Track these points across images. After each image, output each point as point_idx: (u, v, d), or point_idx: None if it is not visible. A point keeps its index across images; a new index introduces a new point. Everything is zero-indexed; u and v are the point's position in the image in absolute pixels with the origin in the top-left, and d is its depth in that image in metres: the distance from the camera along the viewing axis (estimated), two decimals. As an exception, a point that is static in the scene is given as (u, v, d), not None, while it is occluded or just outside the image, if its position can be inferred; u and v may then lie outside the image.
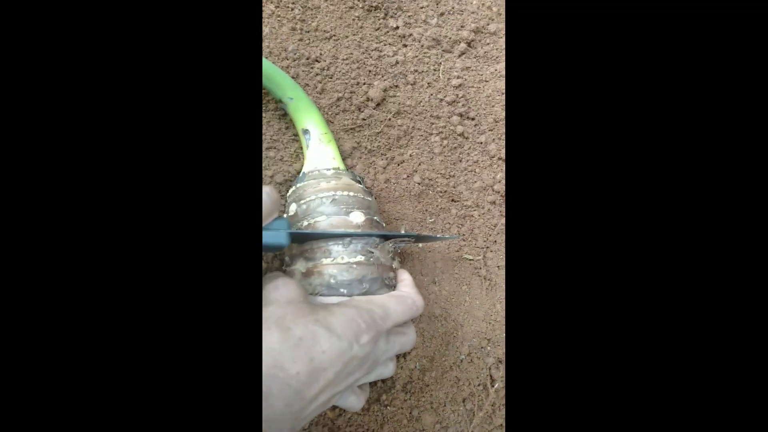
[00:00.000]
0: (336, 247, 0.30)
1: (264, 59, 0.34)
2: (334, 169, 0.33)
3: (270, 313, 0.24)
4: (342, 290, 0.29)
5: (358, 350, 0.25)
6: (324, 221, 0.30)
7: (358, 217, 0.31)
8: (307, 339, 0.24)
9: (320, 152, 0.34)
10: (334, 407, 0.32)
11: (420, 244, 0.37)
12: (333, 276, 0.29)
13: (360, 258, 0.30)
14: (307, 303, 0.26)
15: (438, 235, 0.36)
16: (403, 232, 0.33)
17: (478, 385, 0.34)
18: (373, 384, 0.33)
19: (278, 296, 0.26)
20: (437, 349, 0.35)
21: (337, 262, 0.30)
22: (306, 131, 0.34)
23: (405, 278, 0.32)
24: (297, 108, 0.34)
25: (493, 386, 0.34)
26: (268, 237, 0.27)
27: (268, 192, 0.26)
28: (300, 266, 0.30)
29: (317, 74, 0.38)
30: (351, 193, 0.32)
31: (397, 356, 0.34)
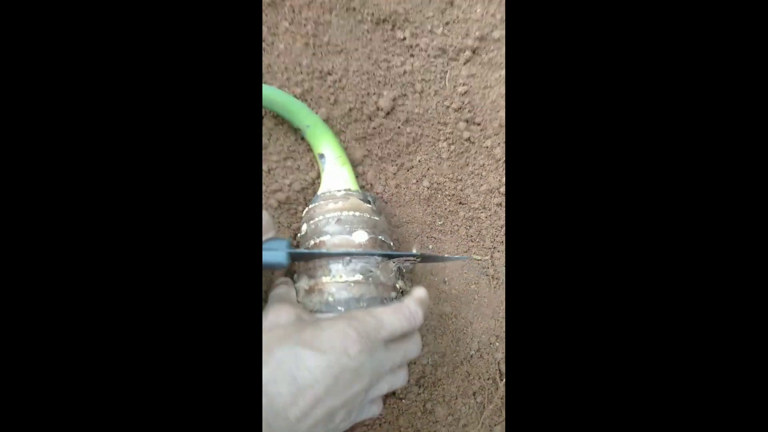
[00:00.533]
0: (336, 266, 0.31)
1: (279, 90, 0.36)
2: (345, 190, 0.35)
3: None
4: (339, 308, 0.30)
5: (349, 361, 0.25)
6: (328, 240, 0.32)
7: (361, 237, 0.32)
8: (287, 360, 0.24)
9: (335, 174, 0.36)
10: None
11: (428, 264, 0.39)
12: (332, 294, 0.31)
13: (358, 277, 0.31)
14: (296, 325, 0.27)
15: (445, 255, 0.37)
16: (414, 251, 0.34)
17: (488, 379, 0.36)
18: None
19: (265, 323, 0.27)
20: (448, 346, 0.37)
21: (336, 280, 0.31)
22: (322, 155, 0.36)
23: (415, 292, 0.32)
24: (313, 134, 0.36)
25: (502, 380, 0.36)
26: (268, 256, 0.29)
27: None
28: (303, 283, 0.32)
29: (330, 86, 0.40)
30: (357, 213, 0.33)
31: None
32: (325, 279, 0.31)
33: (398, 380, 0.30)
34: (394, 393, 0.35)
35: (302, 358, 0.24)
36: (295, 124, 0.37)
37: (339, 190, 0.35)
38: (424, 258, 0.34)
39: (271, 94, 0.35)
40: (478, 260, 0.40)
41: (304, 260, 0.33)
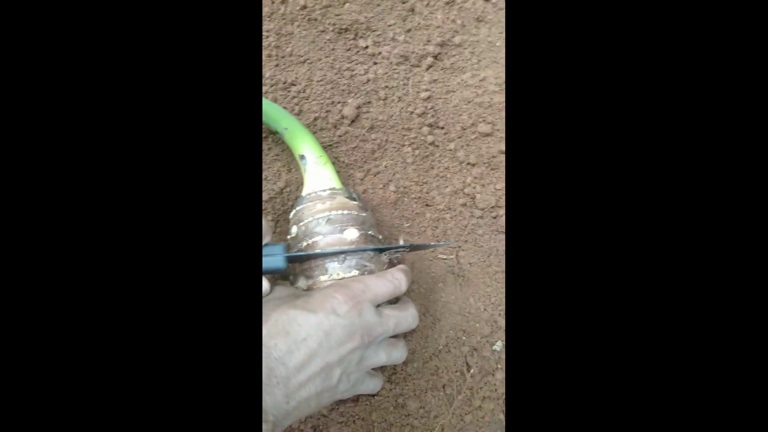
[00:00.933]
0: (332, 264, 0.33)
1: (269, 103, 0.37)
2: (330, 189, 0.36)
3: None
4: None
5: (338, 319, 0.27)
6: (321, 240, 0.33)
7: (352, 234, 0.34)
8: (282, 320, 0.27)
9: (317, 174, 0.37)
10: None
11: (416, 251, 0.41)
12: None
13: (355, 272, 0.33)
14: (290, 296, 0.30)
15: (431, 243, 0.39)
16: (401, 242, 0.36)
17: (456, 372, 0.38)
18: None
19: (264, 299, 0.30)
20: (417, 342, 0.39)
21: (333, 278, 0.32)
22: (302, 157, 0.37)
23: (399, 266, 0.35)
24: (292, 136, 0.37)
25: (469, 372, 0.38)
26: (267, 262, 0.30)
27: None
28: (302, 284, 0.34)
29: (294, 97, 0.41)
30: (345, 212, 0.34)
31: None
32: (322, 278, 0.33)
33: (395, 352, 0.32)
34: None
35: (294, 317, 0.27)
36: (272, 127, 0.38)
37: (324, 190, 0.36)
38: (413, 247, 0.36)
39: None
40: (444, 260, 0.41)
41: (299, 262, 0.34)
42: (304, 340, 0.27)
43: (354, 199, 0.36)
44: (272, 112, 0.37)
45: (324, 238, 0.33)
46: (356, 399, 0.37)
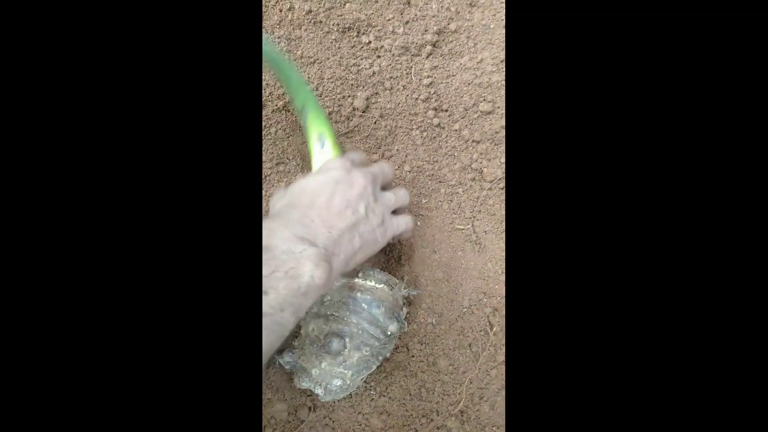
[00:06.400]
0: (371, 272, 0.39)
1: (294, 69, 0.40)
2: None
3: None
4: (363, 305, 0.37)
5: (345, 173, 0.32)
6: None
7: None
8: (295, 187, 0.32)
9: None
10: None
11: (418, 237, 0.44)
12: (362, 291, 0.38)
13: (383, 286, 0.38)
14: None
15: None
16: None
17: (480, 331, 0.42)
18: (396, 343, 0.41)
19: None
20: (444, 306, 0.42)
21: (368, 283, 0.38)
22: (320, 137, 0.38)
23: None
24: (313, 116, 0.39)
25: (492, 330, 0.42)
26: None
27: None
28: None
29: (309, 95, 0.45)
30: None
31: (410, 317, 0.42)
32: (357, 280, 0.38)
33: (403, 222, 0.36)
34: (407, 346, 0.41)
35: (306, 181, 0.32)
36: (292, 96, 0.40)
37: None
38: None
39: (282, 66, 0.38)
40: (461, 229, 0.45)
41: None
42: (322, 189, 0.31)
43: None
44: (297, 83, 0.39)
45: None
46: (395, 366, 0.40)
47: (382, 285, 0.38)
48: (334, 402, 0.39)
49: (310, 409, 0.39)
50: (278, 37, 0.46)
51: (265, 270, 0.26)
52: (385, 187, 0.37)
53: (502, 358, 0.41)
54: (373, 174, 0.35)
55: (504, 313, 0.42)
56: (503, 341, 0.42)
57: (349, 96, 0.46)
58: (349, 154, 0.37)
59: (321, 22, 0.47)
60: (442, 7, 0.50)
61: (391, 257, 0.45)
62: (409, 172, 0.46)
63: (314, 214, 0.30)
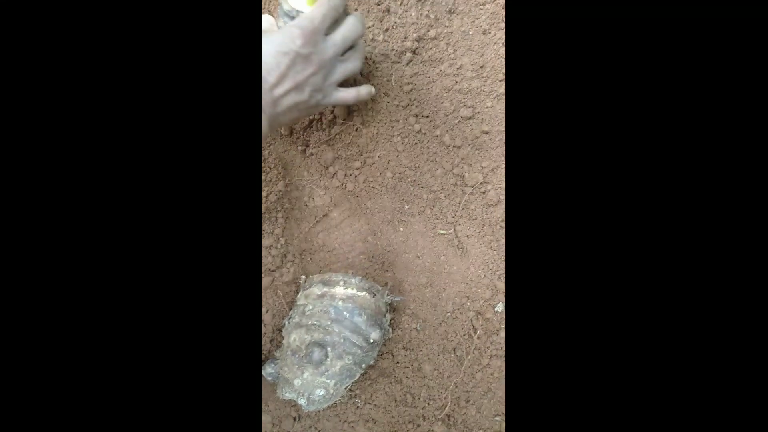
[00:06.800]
0: (351, 280, 0.39)
1: None
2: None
3: None
4: (345, 314, 0.37)
5: (296, 47, 0.33)
6: None
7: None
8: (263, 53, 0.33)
9: None
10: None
11: (402, 241, 0.44)
12: (341, 300, 0.37)
13: (365, 294, 0.38)
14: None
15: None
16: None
17: (464, 335, 0.42)
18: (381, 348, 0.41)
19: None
20: (427, 311, 0.43)
21: (348, 292, 0.38)
22: None
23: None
24: None
25: (475, 334, 0.42)
26: None
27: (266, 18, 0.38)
28: (316, 289, 0.38)
29: (289, 103, 0.45)
30: None
31: (394, 323, 0.42)
32: (339, 289, 0.38)
33: (351, 65, 0.38)
34: (392, 355, 0.41)
35: (265, 45, 0.33)
36: None
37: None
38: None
39: None
40: (443, 234, 0.45)
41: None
42: (275, 65, 0.33)
43: None
44: None
45: None
46: (380, 373, 0.40)
47: (364, 293, 0.38)
48: (318, 412, 0.39)
49: (294, 419, 0.39)
50: (258, 46, 0.46)
51: None
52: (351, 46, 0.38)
53: (486, 361, 0.42)
54: (333, 49, 0.36)
55: (487, 316, 0.42)
56: (487, 344, 0.42)
57: (330, 103, 0.46)
58: (320, 13, 0.35)
59: (301, 30, 0.47)
60: (421, 14, 0.50)
61: (374, 263, 0.45)
62: (391, 178, 0.46)
63: (266, 87, 0.33)
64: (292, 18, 0.40)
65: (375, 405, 0.39)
